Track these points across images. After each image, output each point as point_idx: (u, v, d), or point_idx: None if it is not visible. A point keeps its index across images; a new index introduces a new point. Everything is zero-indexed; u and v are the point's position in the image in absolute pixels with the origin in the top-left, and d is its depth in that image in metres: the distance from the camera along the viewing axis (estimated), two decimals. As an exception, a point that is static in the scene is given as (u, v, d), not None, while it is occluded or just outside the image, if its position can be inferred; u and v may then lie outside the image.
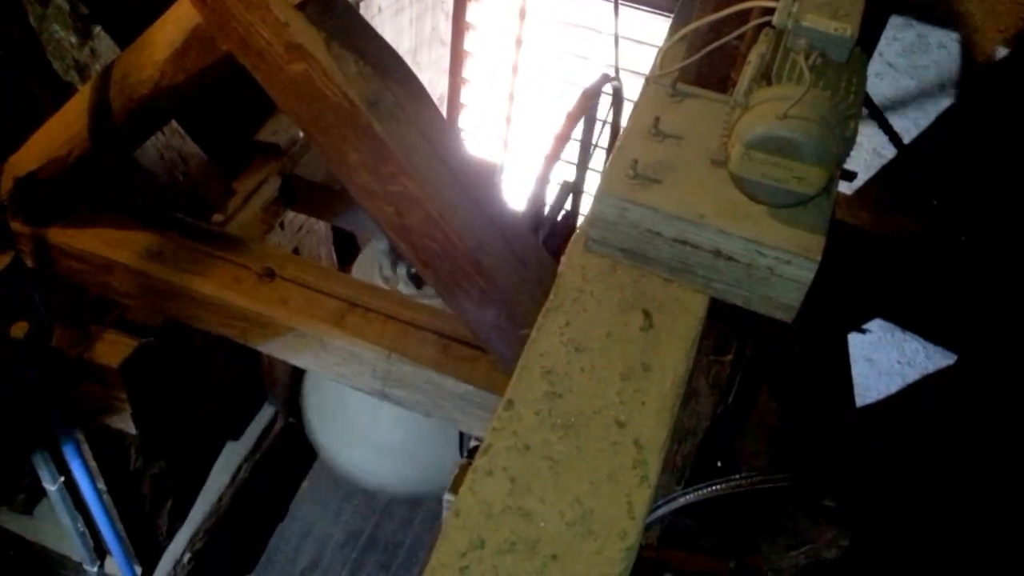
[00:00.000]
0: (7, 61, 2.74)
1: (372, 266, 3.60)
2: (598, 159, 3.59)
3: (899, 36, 3.10)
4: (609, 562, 1.15)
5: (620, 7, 2.77)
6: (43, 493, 3.59)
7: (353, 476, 4.14)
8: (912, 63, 3.13)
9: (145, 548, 4.03)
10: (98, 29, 2.89)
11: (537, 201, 2.87)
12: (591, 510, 1.19)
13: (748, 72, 1.40)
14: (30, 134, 2.61)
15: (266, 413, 4.65)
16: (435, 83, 5.91)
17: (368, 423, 3.85)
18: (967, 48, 3.03)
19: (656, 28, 4.94)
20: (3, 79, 2.77)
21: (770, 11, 1.40)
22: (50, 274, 2.72)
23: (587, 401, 1.31)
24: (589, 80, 3.34)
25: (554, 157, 2.73)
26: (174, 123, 3.10)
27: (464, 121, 6.29)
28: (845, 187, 3.27)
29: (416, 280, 3.34)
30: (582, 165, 3.59)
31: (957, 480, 2.99)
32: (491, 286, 2.13)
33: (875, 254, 3.16)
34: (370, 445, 3.92)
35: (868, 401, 3.97)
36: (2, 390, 3.02)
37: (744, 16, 1.52)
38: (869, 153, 3.36)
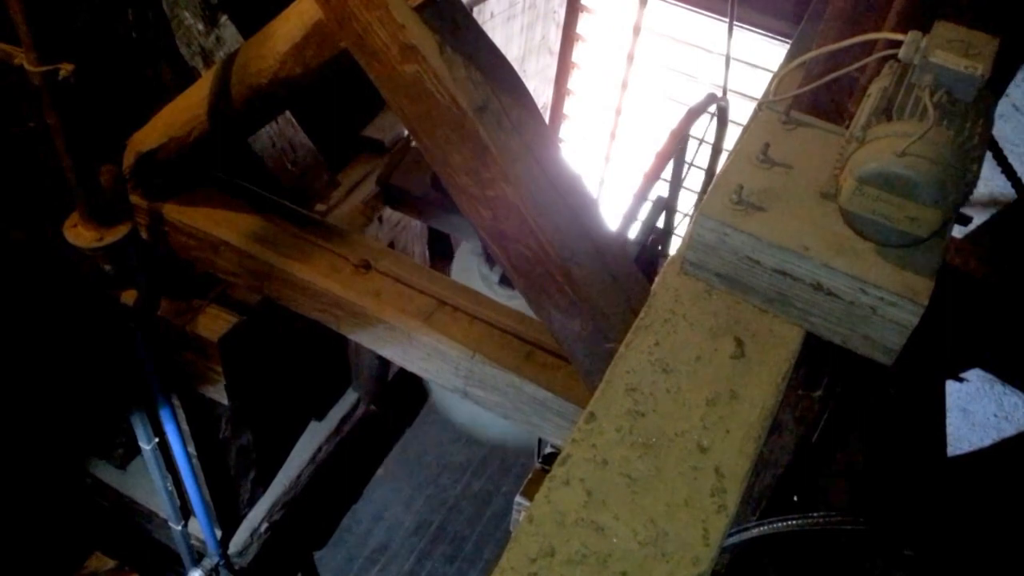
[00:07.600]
0: (139, 43, 2.87)
1: (471, 263, 3.64)
2: (692, 178, 3.55)
3: (1029, 78, 2.97)
4: (679, 587, 1.14)
5: (736, 29, 2.73)
6: (138, 451, 3.75)
7: (468, 429, 4.49)
8: (1040, 106, 2.99)
9: (227, 513, 4.18)
10: (224, 18, 3.01)
11: (632, 217, 2.86)
12: (665, 532, 1.18)
13: (868, 105, 1.37)
14: (153, 113, 2.73)
15: (349, 398, 4.76)
16: (540, 92, 5.94)
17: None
18: (1101, 94, 2.88)
19: (769, 52, 4.86)
20: (134, 60, 2.90)
21: (896, 44, 1.36)
22: (162, 247, 2.84)
23: (670, 423, 1.30)
24: (695, 99, 3.31)
25: (655, 175, 2.71)
26: (288, 113, 3.20)
27: (566, 132, 6.31)
28: (957, 231, 3.14)
29: (508, 283, 3.38)
30: (676, 183, 3.55)
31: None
32: (580, 297, 2.13)
33: (981, 302, 3.03)
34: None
35: (959, 452, 3.81)
36: (110, 352, 3.18)
37: (867, 47, 1.48)
38: (986, 197, 3.23)
